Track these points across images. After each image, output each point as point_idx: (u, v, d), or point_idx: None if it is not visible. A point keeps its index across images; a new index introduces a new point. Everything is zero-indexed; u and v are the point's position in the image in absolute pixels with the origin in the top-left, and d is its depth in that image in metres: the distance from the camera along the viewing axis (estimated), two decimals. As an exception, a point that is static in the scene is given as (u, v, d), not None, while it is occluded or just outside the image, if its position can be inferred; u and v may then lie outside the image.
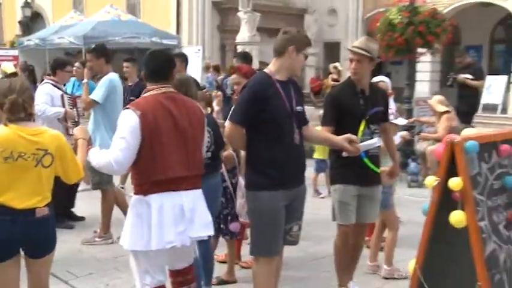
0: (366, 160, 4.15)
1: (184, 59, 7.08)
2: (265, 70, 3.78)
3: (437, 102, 8.48)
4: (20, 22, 24.29)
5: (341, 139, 3.84)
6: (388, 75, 8.21)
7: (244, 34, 16.59)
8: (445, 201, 3.23)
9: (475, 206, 3.13)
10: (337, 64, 15.44)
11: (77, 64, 7.02)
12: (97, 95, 5.77)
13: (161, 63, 3.59)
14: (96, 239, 5.94)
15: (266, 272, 3.76)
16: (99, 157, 3.41)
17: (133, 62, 8.24)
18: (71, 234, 6.17)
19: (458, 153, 3.13)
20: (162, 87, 3.47)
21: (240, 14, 16.87)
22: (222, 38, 20.28)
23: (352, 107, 4.21)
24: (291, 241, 3.91)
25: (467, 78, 10.47)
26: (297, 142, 3.71)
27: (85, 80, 6.00)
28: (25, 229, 3.05)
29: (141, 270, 3.46)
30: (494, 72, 19.64)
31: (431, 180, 3.30)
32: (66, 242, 5.87)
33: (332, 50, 21.84)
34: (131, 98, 6.46)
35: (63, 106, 6.29)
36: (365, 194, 4.32)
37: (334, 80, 13.81)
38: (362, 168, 4.18)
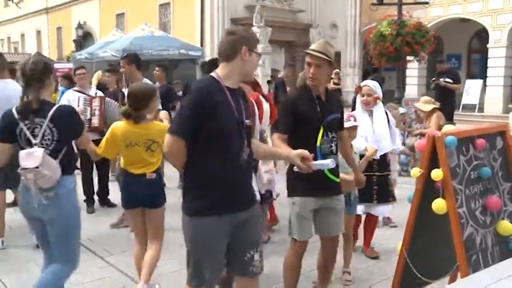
0: (325, 171, 3.26)
1: None
2: (212, 74, 2.69)
3: (423, 102, 8.29)
4: (74, 40, 25.01)
5: (293, 155, 2.89)
6: (382, 79, 8.01)
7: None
8: (428, 190, 3.10)
9: (455, 194, 2.99)
10: (337, 70, 15.22)
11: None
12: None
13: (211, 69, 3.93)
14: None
15: None
16: None
17: (163, 68, 8.62)
18: (108, 217, 6.09)
19: (439, 147, 3.01)
20: None
21: (254, 29, 16.73)
22: (239, 50, 20.18)
23: (309, 114, 3.35)
24: (254, 273, 2.80)
25: (448, 82, 10.30)
26: (245, 159, 2.71)
27: None
28: (141, 187, 3.70)
29: None
30: (471, 77, 19.40)
31: (416, 171, 3.17)
32: (103, 223, 5.86)
33: (333, 59, 21.57)
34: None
35: (78, 105, 6.20)
36: (326, 205, 3.42)
37: (335, 84, 13.53)
38: (320, 179, 3.29)
